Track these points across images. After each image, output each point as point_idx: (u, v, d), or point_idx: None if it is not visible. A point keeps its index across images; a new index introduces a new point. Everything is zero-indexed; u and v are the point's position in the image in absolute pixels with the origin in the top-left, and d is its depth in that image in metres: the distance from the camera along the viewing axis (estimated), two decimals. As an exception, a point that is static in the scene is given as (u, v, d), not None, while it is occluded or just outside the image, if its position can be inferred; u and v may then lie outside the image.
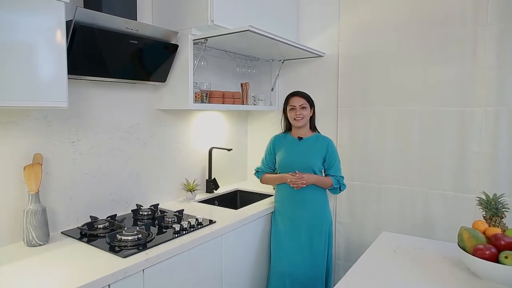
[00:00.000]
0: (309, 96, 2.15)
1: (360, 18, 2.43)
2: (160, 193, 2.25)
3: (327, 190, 2.14)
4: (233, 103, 2.45)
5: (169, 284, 1.54)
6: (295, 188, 2.04)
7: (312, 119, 2.18)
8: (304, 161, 2.06)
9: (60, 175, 1.72)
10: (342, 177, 2.13)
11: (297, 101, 2.10)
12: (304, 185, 2.01)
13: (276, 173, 2.20)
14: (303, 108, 2.10)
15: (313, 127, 2.20)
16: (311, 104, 2.15)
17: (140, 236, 1.57)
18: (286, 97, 2.18)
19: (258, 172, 2.26)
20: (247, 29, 1.84)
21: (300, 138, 2.15)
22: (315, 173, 2.07)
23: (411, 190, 2.30)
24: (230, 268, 1.91)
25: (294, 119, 2.11)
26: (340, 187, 2.11)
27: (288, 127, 2.24)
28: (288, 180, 2.04)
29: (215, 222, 1.86)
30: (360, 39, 2.43)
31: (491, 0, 2.00)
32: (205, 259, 1.74)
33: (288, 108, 2.14)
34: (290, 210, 2.11)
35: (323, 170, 2.14)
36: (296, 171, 2.03)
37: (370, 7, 2.38)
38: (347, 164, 2.47)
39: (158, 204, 2.08)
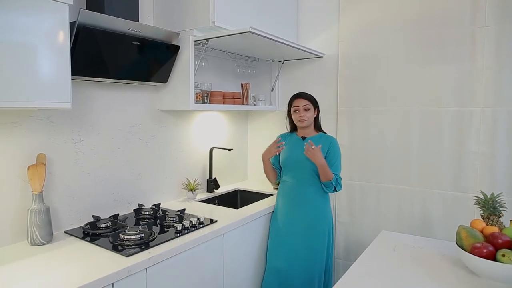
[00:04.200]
0: (313, 97, 2.16)
1: (360, 19, 2.44)
2: (162, 193, 2.27)
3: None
4: (234, 104, 2.47)
5: (171, 282, 1.55)
6: (304, 152, 2.01)
7: (316, 120, 2.19)
8: (306, 159, 2.07)
9: (63, 175, 1.74)
10: (340, 177, 2.13)
11: (301, 103, 2.11)
12: (314, 152, 1.98)
13: (281, 171, 2.23)
14: (307, 109, 2.11)
15: (318, 127, 2.21)
16: (315, 105, 2.16)
17: (142, 235, 1.59)
18: (290, 99, 2.19)
19: None
20: (248, 30, 1.86)
21: (304, 138, 2.16)
22: (315, 172, 2.08)
23: (410, 190, 2.32)
24: (231, 266, 1.93)
25: (298, 120, 2.13)
26: (335, 187, 2.08)
27: (294, 128, 2.25)
28: (272, 146, 2.12)
29: (216, 221, 1.88)
30: (359, 40, 2.45)
31: (489, 1, 2.02)
32: (206, 258, 1.75)
33: (292, 109, 2.16)
34: (291, 208, 2.13)
35: None
36: (310, 141, 2.01)
37: (370, 8, 2.40)
38: (346, 164, 2.49)
39: (159, 204, 2.10)
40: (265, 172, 2.26)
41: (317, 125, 2.21)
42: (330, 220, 2.20)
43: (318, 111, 2.19)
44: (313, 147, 1.99)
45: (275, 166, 2.25)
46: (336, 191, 2.13)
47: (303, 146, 2.10)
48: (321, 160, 2.02)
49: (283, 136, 2.25)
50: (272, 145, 2.14)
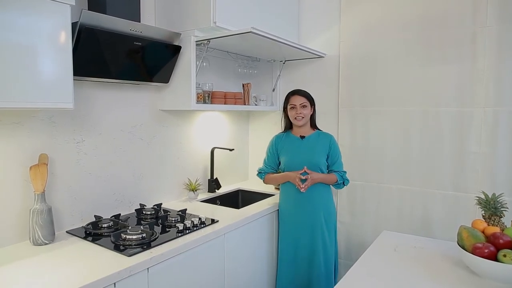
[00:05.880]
0: (309, 94, 2.15)
1: (361, 20, 2.45)
2: (163, 193, 2.27)
3: (331, 186, 2.16)
4: (235, 104, 2.47)
5: (173, 282, 1.56)
6: (302, 191, 2.01)
7: (312, 117, 2.19)
8: (309, 159, 2.07)
9: (65, 175, 1.74)
10: (345, 172, 2.15)
11: (298, 100, 2.10)
12: (312, 179, 2.02)
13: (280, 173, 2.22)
14: (304, 107, 2.10)
15: (313, 125, 2.21)
16: (312, 102, 2.15)
17: (144, 235, 1.59)
18: (287, 96, 2.18)
19: (261, 173, 2.26)
20: (249, 30, 1.86)
21: (302, 137, 2.16)
22: (321, 170, 2.08)
23: (411, 190, 2.33)
24: (232, 266, 1.93)
25: (295, 118, 2.11)
26: (343, 182, 2.13)
27: (289, 126, 2.25)
28: (297, 179, 2.02)
29: (217, 221, 1.89)
30: (360, 40, 2.45)
31: (490, 2, 2.02)
32: (208, 258, 1.76)
33: (288, 107, 2.15)
34: (297, 210, 2.13)
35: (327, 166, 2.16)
36: (305, 167, 2.02)
37: (371, 9, 2.40)
38: (347, 164, 2.47)
39: (161, 204, 2.10)
40: (271, 183, 2.28)
41: (313, 123, 2.21)
42: (335, 217, 2.21)
43: (314, 108, 2.19)
44: (308, 176, 2.00)
45: (274, 170, 2.25)
46: (345, 185, 2.16)
47: (302, 146, 2.12)
48: (319, 176, 2.06)
49: (278, 138, 2.24)
50: (297, 177, 2.04)
